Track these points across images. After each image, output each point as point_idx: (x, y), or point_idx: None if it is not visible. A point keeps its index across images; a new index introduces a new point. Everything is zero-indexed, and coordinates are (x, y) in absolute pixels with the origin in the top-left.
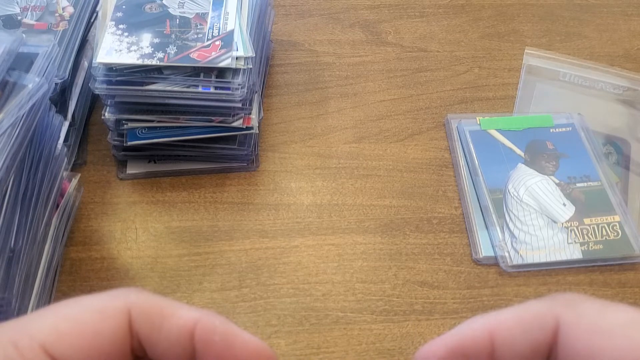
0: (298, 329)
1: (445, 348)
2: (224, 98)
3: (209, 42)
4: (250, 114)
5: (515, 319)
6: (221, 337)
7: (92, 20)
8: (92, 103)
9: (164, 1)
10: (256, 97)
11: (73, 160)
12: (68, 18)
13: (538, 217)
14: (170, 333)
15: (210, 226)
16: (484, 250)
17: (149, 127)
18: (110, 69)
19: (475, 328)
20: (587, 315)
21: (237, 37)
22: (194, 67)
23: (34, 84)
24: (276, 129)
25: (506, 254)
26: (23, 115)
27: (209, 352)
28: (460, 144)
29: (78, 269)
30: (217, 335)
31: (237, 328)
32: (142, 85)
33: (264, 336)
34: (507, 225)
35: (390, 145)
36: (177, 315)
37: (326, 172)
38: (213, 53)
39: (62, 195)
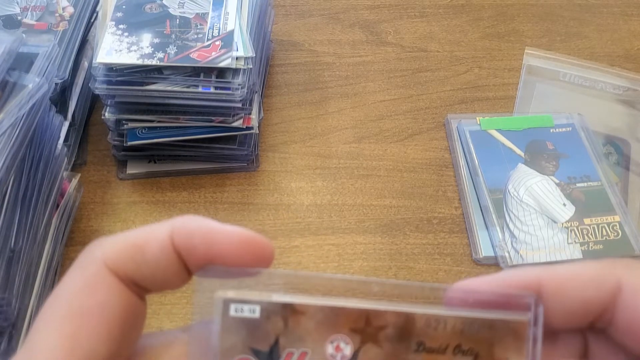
0: None
1: (490, 289)
2: (224, 98)
3: (209, 42)
4: (250, 114)
5: (570, 274)
6: (201, 239)
7: (92, 20)
8: (92, 103)
9: (164, 1)
10: (256, 97)
11: (73, 160)
12: (68, 18)
13: (538, 217)
14: (156, 260)
15: None
16: (484, 250)
17: (149, 127)
18: (110, 69)
19: (526, 274)
20: None
21: (237, 37)
22: (194, 67)
23: (34, 84)
24: (276, 129)
25: (506, 254)
26: (23, 115)
27: (195, 259)
28: (460, 144)
29: None
30: (195, 239)
31: (216, 224)
32: (142, 85)
33: None
34: (507, 225)
35: (390, 145)
36: (152, 238)
37: (326, 172)
38: (213, 53)
39: (62, 195)
